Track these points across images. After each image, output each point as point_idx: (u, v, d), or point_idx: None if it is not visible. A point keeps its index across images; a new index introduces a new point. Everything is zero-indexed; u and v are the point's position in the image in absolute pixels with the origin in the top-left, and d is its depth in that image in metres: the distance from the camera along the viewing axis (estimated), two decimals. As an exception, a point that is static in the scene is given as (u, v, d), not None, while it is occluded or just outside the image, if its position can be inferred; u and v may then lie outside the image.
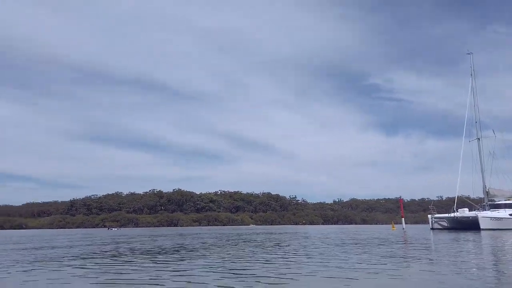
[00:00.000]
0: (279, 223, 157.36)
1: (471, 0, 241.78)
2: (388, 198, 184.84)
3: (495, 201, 37.20)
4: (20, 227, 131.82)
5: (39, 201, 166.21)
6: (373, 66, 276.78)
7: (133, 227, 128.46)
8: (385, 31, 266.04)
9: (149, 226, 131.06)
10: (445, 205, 39.37)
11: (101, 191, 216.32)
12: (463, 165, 37.90)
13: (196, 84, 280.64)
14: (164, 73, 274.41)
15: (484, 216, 30.99)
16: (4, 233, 53.61)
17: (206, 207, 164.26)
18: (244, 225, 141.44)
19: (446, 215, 33.92)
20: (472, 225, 30.93)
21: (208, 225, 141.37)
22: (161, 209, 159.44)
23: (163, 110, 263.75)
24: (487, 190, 38.46)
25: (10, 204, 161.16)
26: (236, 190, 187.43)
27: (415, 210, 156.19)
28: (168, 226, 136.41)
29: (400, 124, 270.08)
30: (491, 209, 35.08)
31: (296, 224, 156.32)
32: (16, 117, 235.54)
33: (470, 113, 39.76)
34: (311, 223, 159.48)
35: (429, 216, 34.84)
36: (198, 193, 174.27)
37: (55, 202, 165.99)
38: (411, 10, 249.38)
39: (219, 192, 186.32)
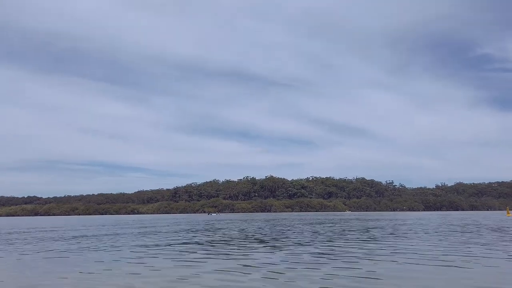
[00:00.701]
0: (375, 210, 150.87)
1: None
2: (502, 182, 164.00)
3: None
4: (133, 212, 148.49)
5: (148, 189, 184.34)
6: (482, 34, 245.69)
7: (229, 212, 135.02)
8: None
9: (244, 212, 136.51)
10: None
11: (200, 179, 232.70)
12: None
13: (288, 71, 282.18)
14: (257, 63, 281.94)
15: None
16: (124, 218, 60.39)
17: (298, 193, 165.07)
18: (337, 211, 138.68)
19: None
20: None
21: (300, 211, 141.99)
22: (255, 195, 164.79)
23: (256, 99, 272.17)
24: None
25: (124, 192, 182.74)
26: (329, 176, 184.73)
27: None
28: (261, 211, 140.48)
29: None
30: None
31: (394, 210, 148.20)
32: (128, 113, 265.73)
33: None
34: (410, 209, 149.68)
35: None
36: (290, 180, 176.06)
37: (161, 190, 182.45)
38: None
39: (311, 178, 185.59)
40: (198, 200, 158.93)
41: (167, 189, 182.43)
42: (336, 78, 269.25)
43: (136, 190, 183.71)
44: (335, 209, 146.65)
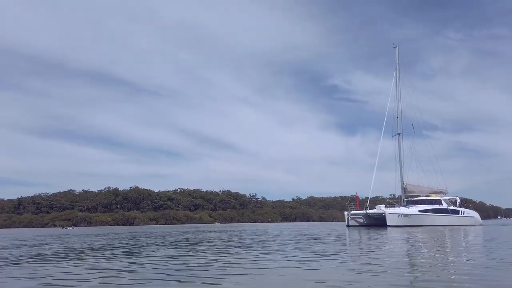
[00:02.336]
0: (238, 221, 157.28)
1: (427, 5, 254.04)
2: (345, 196, 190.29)
3: (413, 197, 36.94)
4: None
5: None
6: (333, 66, 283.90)
7: (86, 226, 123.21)
8: (346, 31, 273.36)
9: (104, 225, 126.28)
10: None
11: (52, 189, 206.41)
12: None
13: (157, 79, 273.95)
14: (124, 67, 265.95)
15: (391, 212, 30.54)
16: None
17: (164, 205, 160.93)
18: (203, 223, 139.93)
19: (360, 211, 33.54)
20: (383, 222, 30.56)
21: (166, 223, 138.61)
22: (117, 208, 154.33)
23: (121, 105, 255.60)
24: (404, 186, 37.89)
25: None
26: (196, 188, 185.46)
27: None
28: (123, 225, 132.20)
29: (357, 124, 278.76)
30: (408, 206, 34.63)
31: (255, 221, 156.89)
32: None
33: (392, 107, 39.28)
34: (270, 220, 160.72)
35: (345, 212, 34.16)
36: (156, 191, 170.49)
37: (0, 200, 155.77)
38: (372, 11, 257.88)
39: (179, 190, 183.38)
40: (48, 213, 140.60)
41: (9, 200, 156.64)
42: (206, 91, 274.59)
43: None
44: (200, 221, 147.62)
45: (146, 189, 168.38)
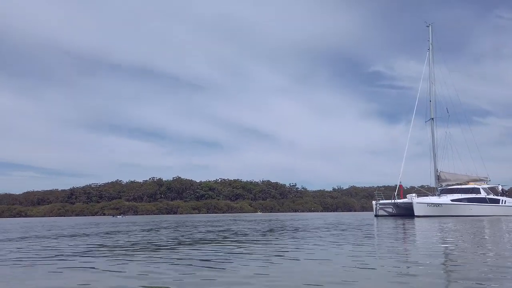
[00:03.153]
0: (278, 210, 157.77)
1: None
2: (388, 185, 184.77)
3: (448, 186, 34.78)
4: (19, 215, 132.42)
5: (39, 190, 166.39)
6: (374, 52, 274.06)
7: (133, 215, 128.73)
8: (386, 14, 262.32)
9: (149, 214, 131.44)
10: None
11: (101, 180, 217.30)
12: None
13: (197, 72, 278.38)
14: (165, 61, 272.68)
15: (419, 202, 28.88)
16: (5, 221, 53.35)
17: (206, 195, 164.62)
18: (243, 212, 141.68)
19: (388, 201, 31.78)
20: (412, 211, 28.81)
21: (208, 212, 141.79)
22: (161, 197, 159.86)
23: (163, 98, 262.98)
24: (438, 174, 35.62)
25: (11, 192, 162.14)
26: (236, 178, 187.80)
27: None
28: (167, 213, 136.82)
29: (400, 111, 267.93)
30: (441, 195, 32.71)
31: (295, 211, 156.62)
32: (16, 106, 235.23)
33: (425, 90, 36.73)
34: (310, 210, 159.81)
35: (373, 202, 32.47)
36: (197, 181, 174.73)
37: (55, 191, 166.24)
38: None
39: (219, 180, 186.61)
40: (98, 202, 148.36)
41: (62, 190, 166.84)
42: (244, 82, 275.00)
43: (25, 191, 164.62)
44: (241, 210, 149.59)
45: (188, 180, 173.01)
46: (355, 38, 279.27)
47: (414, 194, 31.04)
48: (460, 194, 31.52)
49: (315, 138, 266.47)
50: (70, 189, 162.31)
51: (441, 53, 49.94)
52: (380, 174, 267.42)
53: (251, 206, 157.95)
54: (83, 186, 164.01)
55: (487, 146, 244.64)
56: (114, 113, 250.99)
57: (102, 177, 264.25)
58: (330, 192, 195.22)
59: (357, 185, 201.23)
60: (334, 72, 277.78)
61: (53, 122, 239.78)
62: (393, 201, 31.38)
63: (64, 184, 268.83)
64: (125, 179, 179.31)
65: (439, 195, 33.38)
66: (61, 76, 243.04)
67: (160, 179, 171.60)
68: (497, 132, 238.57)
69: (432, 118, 36.53)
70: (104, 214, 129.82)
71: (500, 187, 35.23)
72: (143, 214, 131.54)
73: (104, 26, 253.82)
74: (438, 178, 35.66)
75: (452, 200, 30.08)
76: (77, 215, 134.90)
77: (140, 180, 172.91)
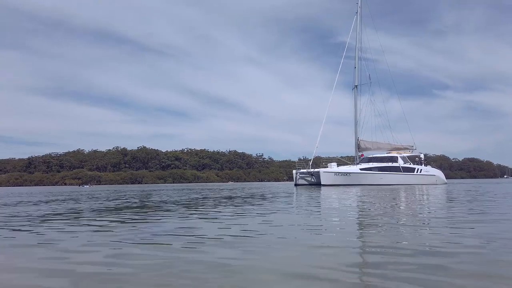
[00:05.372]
0: (245, 180, 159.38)
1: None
2: (351, 156, 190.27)
3: (370, 155, 34.16)
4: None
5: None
6: (342, 23, 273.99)
7: (96, 184, 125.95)
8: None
9: (112, 184, 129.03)
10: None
11: (61, 149, 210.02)
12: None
13: (162, 38, 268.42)
14: (129, 26, 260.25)
15: (326, 171, 28.48)
16: None
17: (172, 165, 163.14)
18: (210, 182, 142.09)
19: (305, 170, 30.93)
20: None
21: (173, 182, 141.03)
22: (125, 167, 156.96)
23: (127, 64, 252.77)
24: (358, 142, 34.97)
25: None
26: (203, 148, 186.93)
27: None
28: (132, 183, 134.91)
29: (366, 83, 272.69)
30: (361, 163, 32.36)
31: (261, 181, 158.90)
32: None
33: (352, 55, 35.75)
34: (276, 180, 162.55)
35: (294, 171, 31.62)
36: (163, 151, 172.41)
37: (12, 160, 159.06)
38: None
39: (185, 150, 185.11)
40: (59, 171, 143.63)
41: (20, 159, 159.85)
42: (211, 50, 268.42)
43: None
44: (208, 180, 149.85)
45: (154, 149, 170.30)
46: (322, 8, 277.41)
47: (334, 164, 30.57)
48: (374, 163, 31.14)
49: (283, 109, 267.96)
50: (28, 158, 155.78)
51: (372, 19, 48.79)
52: (344, 145, 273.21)
53: (217, 176, 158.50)
54: (42, 155, 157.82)
55: (445, 119, 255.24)
56: (75, 80, 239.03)
57: (62, 146, 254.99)
58: (295, 162, 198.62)
59: (322, 155, 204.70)
60: (302, 43, 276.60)
61: (7, 88, 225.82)
62: (306, 170, 30.66)
63: (21, 153, 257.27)
64: (87, 148, 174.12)
65: (357, 163, 33.01)
66: (16, 39, 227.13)
67: (124, 149, 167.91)
68: (455, 106, 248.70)
69: (356, 86, 35.94)
70: (65, 184, 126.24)
71: (422, 156, 34.98)
72: (106, 184, 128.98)
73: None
74: (358, 146, 35.06)
75: (361, 169, 29.63)
76: (36, 184, 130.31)
77: (103, 149, 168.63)
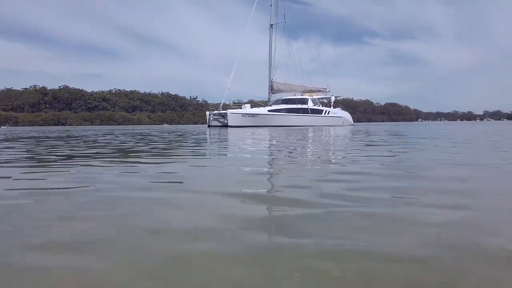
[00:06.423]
0: (179, 123, 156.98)
1: None
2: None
3: (284, 97, 34.99)
4: None
5: None
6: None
7: (13, 126, 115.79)
8: None
9: (32, 125, 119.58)
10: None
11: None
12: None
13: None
14: None
15: (233, 112, 28.59)
16: None
17: (99, 106, 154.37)
18: (141, 124, 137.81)
19: (216, 111, 31.00)
20: None
21: (101, 124, 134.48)
22: (46, 107, 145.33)
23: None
24: (271, 83, 35.19)
25: None
26: (133, 89, 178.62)
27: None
28: (54, 125, 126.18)
29: (301, 28, 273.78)
30: (272, 105, 32.98)
31: (196, 123, 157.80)
32: None
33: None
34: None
35: (207, 113, 31.71)
36: (89, 91, 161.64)
37: None
38: None
39: (114, 91, 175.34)
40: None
41: None
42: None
43: None
44: (139, 122, 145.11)
45: (78, 89, 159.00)
46: None
47: (248, 105, 30.91)
48: (284, 105, 32.09)
49: (218, 50, 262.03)
50: None
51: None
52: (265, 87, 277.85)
53: (149, 118, 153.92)
54: None
55: (373, 66, 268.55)
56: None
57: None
58: (228, 105, 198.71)
59: (256, 99, 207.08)
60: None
61: None
62: (217, 112, 30.85)
63: None
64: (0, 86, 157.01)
65: (270, 105, 33.74)
66: None
67: (44, 88, 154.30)
68: (382, 53, 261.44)
69: (272, 25, 36.02)
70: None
71: (333, 98, 36.48)
72: (25, 126, 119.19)
73: None
74: (271, 88, 35.75)
75: (269, 111, 30.30)
76: None
77: (19, 88, 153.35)
